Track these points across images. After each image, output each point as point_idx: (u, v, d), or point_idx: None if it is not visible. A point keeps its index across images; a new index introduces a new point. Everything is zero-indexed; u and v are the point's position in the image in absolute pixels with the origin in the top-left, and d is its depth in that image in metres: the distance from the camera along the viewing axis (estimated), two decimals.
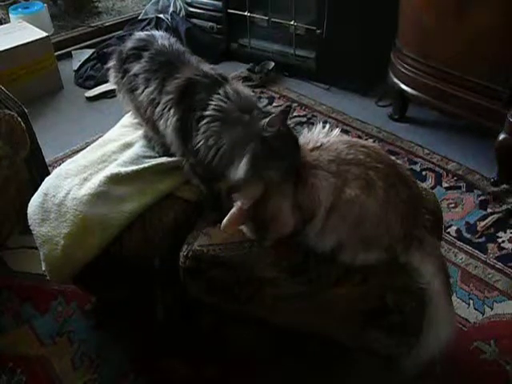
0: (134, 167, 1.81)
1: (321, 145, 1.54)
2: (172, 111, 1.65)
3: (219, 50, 4.18)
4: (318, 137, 1.58)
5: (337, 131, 1.60)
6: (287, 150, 1.52)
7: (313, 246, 1.54)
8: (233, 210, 1.50)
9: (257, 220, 1.51)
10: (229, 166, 1.54)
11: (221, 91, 1.59)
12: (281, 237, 1.54)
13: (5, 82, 3.05)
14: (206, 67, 1.73)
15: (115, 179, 1.76)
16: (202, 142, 1.57)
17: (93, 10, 5.03)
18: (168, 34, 1.87)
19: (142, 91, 1.74)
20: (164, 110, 1.67)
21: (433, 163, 2.97)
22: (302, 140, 1.58)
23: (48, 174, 1.98)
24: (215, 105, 1.56)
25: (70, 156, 2.87)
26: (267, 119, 1.47)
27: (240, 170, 1.51)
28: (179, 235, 1.70)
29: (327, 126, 1.61)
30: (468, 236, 2.48)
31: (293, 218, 1.49)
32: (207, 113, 1.56)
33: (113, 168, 1.81)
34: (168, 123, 1.67)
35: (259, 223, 1.52)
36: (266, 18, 3.91)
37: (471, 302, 2.16)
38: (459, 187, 2.79)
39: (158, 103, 1.69)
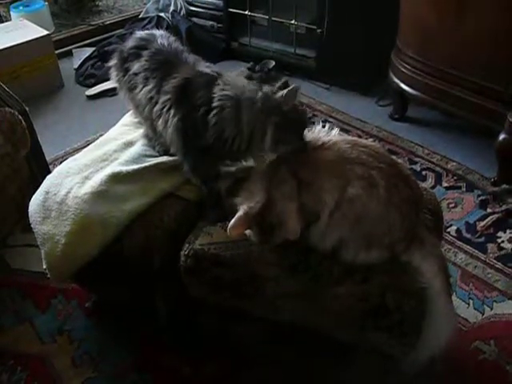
0: (135, 166, 1.82)
1: (322, 144, 1.54)
2: (172, 111, 1.66)
3: (220, 48, 4.19)
4: (318, 136, 1.58)
5: (336, 131, 1.61)
6: (302, 123, 1.58)
7: (314, 244, 1.55)
8: (239, 214, 1.50)
9: (263, 225, 1.51)
10: (251, 144, 1.58)
11: (219, 82, 1.62)
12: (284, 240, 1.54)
13: (6, 79, 3.04)
14: (203, 65, 1.75)
15: (116, 178, 1.77)
16: (215, 135, 1.59)
17: (93, 8, 5.04)
18: (168, 33, 1.89)
19: (141, 90, 1.75)
20: (163, 109, 1.68)
21: (433, 163, 2.97)
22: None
23: (49, 172, 1.99)
24: (220, 95, 1.58)
25: (70, 154, 2.86)
26: (285, 92, 1.51)
27: (266, 144, 1.54)
28: (180, 234, 1.71)
29: (327, 125, 1.62)
30: (468, 236, 2.49)
31: (299, 224, 1.49)
32: (214, 104, 1.57)
33: (114, 167, 1.81)
34: (168, 124, 1.67)
35: (265, 228, 1.52)
36: (267, 16, 3.91)
37: (471, 301, 2.16)
38: (459, 187, 2.79)
39: (156, 102, 1.70)
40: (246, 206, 1.51)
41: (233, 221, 1.49)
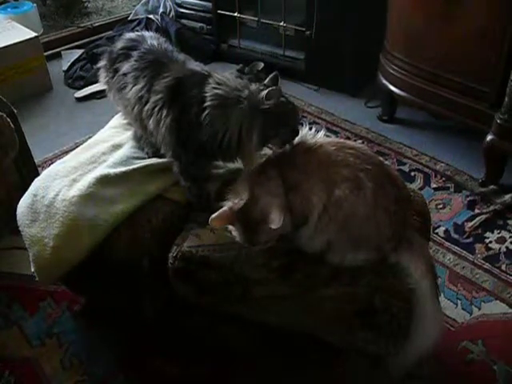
0: (123, 168, 1.82)
1: (309, 147, 1.55)
2: (165, 111, 1.66)
3: (209, 50, 4.19)
4: (305, 139, 1.58)
5: (322, 133, 1.61)
6: (289, 117, 1.60)
7: (302, 247, 1.55)
8: (224, 208, 1.50)
9: (247, 221, 1.51)
10: (241, 144, 1.60)
11: (210, 81, 1.63)
12: (270, 239, 1.53)
13: None
14: (193, 64, 1.75)
15: (104, 180, 1.77)
16: (208, 133, 1.60)
17: (82, 10, 5.02)
18: (157, 35, 1.89)
19: (130, 89, 1.75)
20: (154, 109, 1.68)
21: (421, 164, 2.99)
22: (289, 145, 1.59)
23: (37, 174, 1.98)
24: (211, 94, 1.59)
25: (59, 157, 2.86)
26: (265, 92, 1.53)
27: (253, 142, 1.57)
28: (168, 236, 1.71)
29: (313, 128, 1.62)
30: (456, 236, 2.50)
31: (282, 217, 1.47)
32: (206, 104, 1.58)
33: (102, 169, 1.81)
34: (161, 124, 1.67)
35: (249, 225, 1.52)
36: (256, 18, 3.92)
37: (459, 302, 2.17)
38: (447, 188, 2.81)
39: (147, 102, 1.70)
40: (231, 202, 1.51)
41: (216, 213, 1.49)
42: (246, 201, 1.49)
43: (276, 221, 1.45)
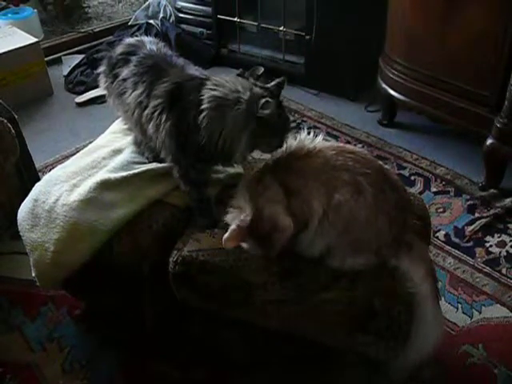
0: (124, 173, 1.82)
1: (308, 152, 1.55)
2: (164, 116, 1.66)
3: (209, 55, 4.19)
4: (304, 144, 1.58)
5: (321, 137, 1.61)
6: (279, 129, 1.60)
7: (302, 251, 1.55)
8: (232, 227, 1.50)
9: (259, 235, 1.52)
10: (232, 146, 1.60)
11: (208, 84, 1.63)
12: (286, 243, 1.53)
13: None
14: (192, 69, 1.76)
15: (105, 185, 1.77)
16: (206, 135, 1.60)
17: (83, 15, 5.03)
18: (157, 40, 1.89)
19: (130, 94, 1.75)
20: (154, 113, 1.68)
21: (421, 168, 2.99)
22: (288, 149, 1.59)
23: (38, 179, 1.98)
24: (208, 96, 1.59)
25: (60, 162, 2.87)
26: (262, 101, 1.52)
27: (240, 148, 1.58)
28: (168, 241, 1.71)
29: (311, 132, 1.62)
30: (456, 240, 2.50)
31: (291, 221, 1.48)
32: (204, 106, 1.58)
33: (103, 174, 1.82)
34: (160, 129, 1.67)
35: (262, 237, 1.52)
36: (256, 23, 3.93)
37: (459, 305, 2.17)
38: (448, 192, 2.81)
39: (146, 106, 1.70)
40: (237, 220, 1.51)
41: (227, 234, 1.49)
42: (252, 215, 1.50)
43: (287, 226, 1.47)
